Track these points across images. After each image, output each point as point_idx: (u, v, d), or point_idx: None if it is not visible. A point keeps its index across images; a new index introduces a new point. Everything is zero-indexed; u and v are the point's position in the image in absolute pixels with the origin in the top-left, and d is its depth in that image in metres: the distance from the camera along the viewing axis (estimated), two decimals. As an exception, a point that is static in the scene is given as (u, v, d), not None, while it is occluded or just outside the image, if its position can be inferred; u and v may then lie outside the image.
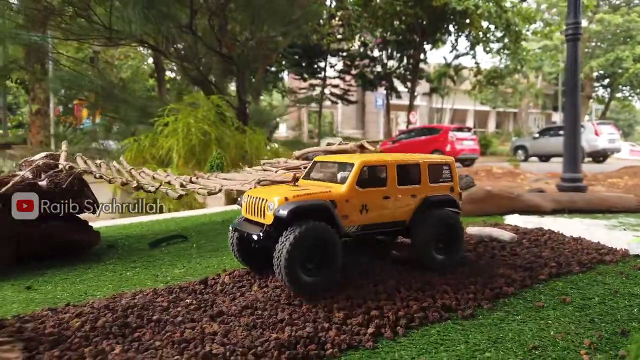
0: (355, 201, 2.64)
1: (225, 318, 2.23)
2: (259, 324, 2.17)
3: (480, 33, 25.05)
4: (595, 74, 34.73)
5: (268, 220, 2.49)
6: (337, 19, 23.86)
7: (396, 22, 24.33)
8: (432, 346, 2.08)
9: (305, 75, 26.71)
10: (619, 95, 37.51)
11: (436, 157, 3.05)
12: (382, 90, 29.27)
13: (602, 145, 20.72)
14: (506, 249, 3.43)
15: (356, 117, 39.28)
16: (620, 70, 32.11)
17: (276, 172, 4.56)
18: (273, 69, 25.39)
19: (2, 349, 1.67)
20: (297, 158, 4.85)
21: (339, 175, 2.80)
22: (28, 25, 10.53)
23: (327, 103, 29.11)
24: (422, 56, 26.90)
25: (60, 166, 3.67)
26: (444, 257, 2.94)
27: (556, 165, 17.56)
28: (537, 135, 24.42)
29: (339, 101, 28.56)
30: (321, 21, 21.04)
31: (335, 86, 27.36)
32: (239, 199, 2.96)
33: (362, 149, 4.25)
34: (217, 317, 2.24)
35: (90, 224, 3.95)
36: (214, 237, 4.37)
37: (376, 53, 27.47)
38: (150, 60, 25.48)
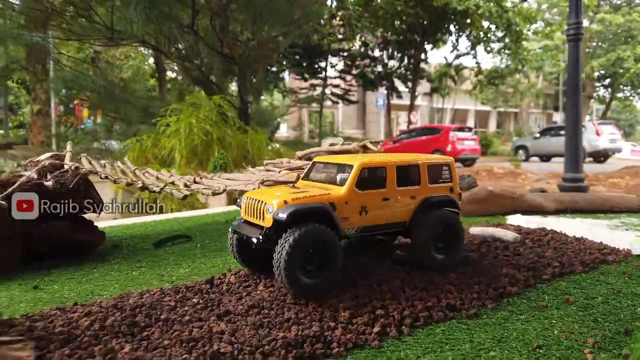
0: (355, 203, 2.63)
1: (232, 317, 2.26)
2: (265, 323, 2.19)
3: (481, 33, 25.07)
4: (596, 73, 34.72)
5: (267, 223, 2.49)
6: (337, 19, 23.88)
7: (397, 22, 24.35)
8: (437, 345, 2.10)
9: (306, 75, 26.73)
10: (620, 95, 37.48)
11: (436, 158, 3.05)
12: (382, 90, 29.29)
13: (603, 145, 20.72)
14: (509, 249, 3.45)
15: (357, 117, 39.29)
16: (621, 70, 32.09)
17: (279, 172, 4.58)
18: (274, 69, 25.42)
19: (14, 347, 1.70)
20: (300, 158, 4.87)
21: (338, 177, 2.79)
22: (30, 26, 10.56)
23: (328, 103, 29.13)
24: (422, 56, 26.93)
25: (66, 167, 3.70)
26: (444, 257, 2.95)
27: (557, 165, 17.58)
28: (538, 135, 24.43)
29: (340, 101, 28.57)
30: (322, 21, 21.05)
31: (336, 86, 27.38)
32: (238, 199, 2.96)
33: (365, 149, 4.27)
34: (224, 317, 2.26)
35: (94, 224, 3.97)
36: (218, 237, 4.40)
37: (377, 53, 27.49)
38: (151, 60, 25.53)
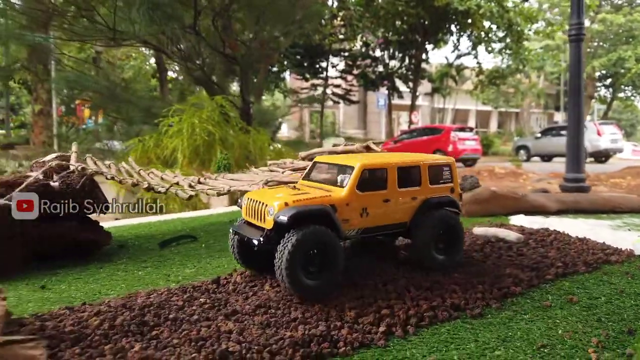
0: (356, 205, 2.64)
1: (239, 317, 2.28)
2: (272, 323, 2.21)
3: (482, 33, 25.08)
4: (597, 73, 34.70)
5: (268, 225, 2.49)
6: (339, 19, 23.90)
7: (398, 22, 24.37)
8: (443, 344, 2.13)
9: (307, 75, 26.75)
10: (621, 95, 37.45)
11: (436, 158, 3.05)
12: (384, 90, 29.31)
13: (605, 146, 20.72)
14: (513, 249, 3.47)
15: (358, 117, 39.30)
16: (622, 70, 32.06)
17: (283, 172, 4.61)
18: (275, 69, 25.45)
19: (27, 346, 1.72)
20: (304, 159, 4.89)
21: (339, 178, 2.79)
22: (32, 26, 10.60)
23: (329, 103, 29.16)
24: (424, 56, 26.94)
25: (72, 167, 3.73)
26: (445, 258, 2.95)
27: (558, 165, 17.58)
28: (539, 135, 24.43)
29: (341, 101, 28.59)
30: (323, 21, 21.08)
31: (337, 86, 27.41)
32: (239, 200, 2.97)
33: (368, 149, 4.29)
34: (231, 316, 2.29)
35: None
36: (222, 237, 4.42)
37: (378, 53, 27.51)
38: (152, 60, 25.57)
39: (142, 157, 9.50)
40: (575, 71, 6.69)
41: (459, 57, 28.55)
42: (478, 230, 3.91)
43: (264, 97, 24.61)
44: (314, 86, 27.10)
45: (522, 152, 24.28)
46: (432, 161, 2.96)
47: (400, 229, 2.88)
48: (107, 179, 3.78)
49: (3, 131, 29.48)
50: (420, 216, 2.87)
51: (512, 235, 3.67)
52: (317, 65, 26.50)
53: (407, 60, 27.35)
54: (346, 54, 26.93)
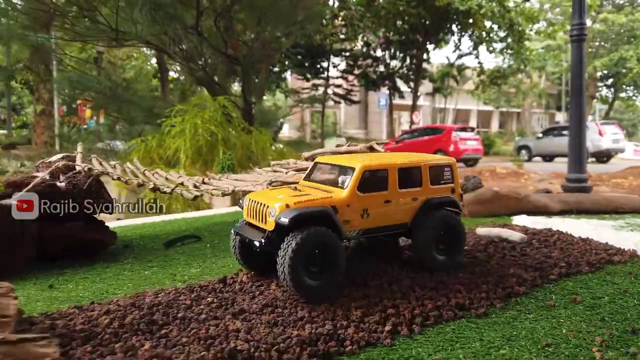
0: (357, 206, 2.64)
1: (247, 316, 2.31)
2: (280, 322, 2.24)
3: (484, 33, 25.10)
4: (599, 73, 34.68)
5: (270, 226, 2.50)
6: (340, 19, 23.92)
7: (399, 22, 24.40)
8: (448, 343, 2.15)
9: (308, 75, 26.79)
10: (622, 95, 37.44)
11: (437, 159, 3.05)
12: (385, 90, 29.34)
13: (606, 146, 20.72)
14: (516, 250, 3.49)
15: (359, 117, 39.33)
16: (624, 70, 32.05)
17: (287, 173, 4.63)
18: (276, 69, 25.49)
19: (39, 344, 1.75)
20: (307, 159, 4.92)
21: (340, 179, 2.79)
22: (35, 27, 10.63)
23: (330, 103, 29.19)
24: (425, 56, 26.96)
25: (78, 168, 3.76)
26: (445, 258, 2.95)
27: (560, 165, 17.60)
28: (540, 135, 24.43)
29: (342, 101, 28.62)
30: (324, 21, 21.09)
31: (338, 86, 27.44)
32: (240, 200, 2.99)
33: (371, 150, 4.32)
34: (239, 315, 2.32)
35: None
36: (226, 237, 4.44)
37: (379, 53, 27.54)
38: (154, 60, 25.61)
39: (144, 157, 9.53)
40: (576, 71, 6.70)
41: (460, 57, 28.58)
42: (481, 230, 3.93)
43: (265, 97, 24.65)
44: (315, 86, 27.13)
45: (523, 152, 24.29)
46: (433, 162, 2.97)
47: (401, 229, 2.89)
48: (113, 179, 3.81)
49: (5, 131, 29.57)
50: (421, 217, 2.87)
51: (515, 236, 3.69)
52: (318, 65, 26.53)
53: (408, 60, 27.37)
54: (347, 54, 26.96)
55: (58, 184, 3.64)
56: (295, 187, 2.92)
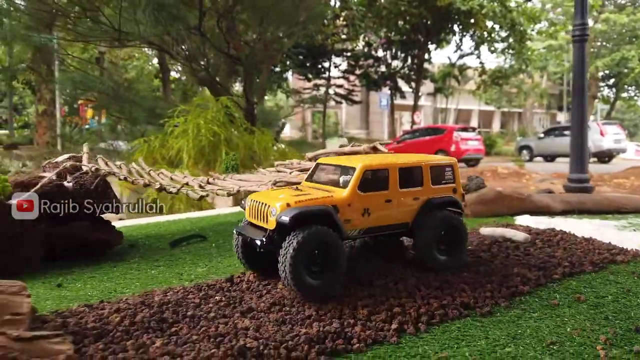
0: (358, 205, 2.66)
1: (255, 314, 2.34)
2: (287, 320, 2.27)
3: (485, 33, 25.12)
4: (600, 73, 34.65)
5: (271, 225, 2.53)
6: (341, 19, 23.95)
7: (400, 22, 24.42)
8: (454, 341, 2.18)
9: (310, 76, 26.83)
10: (624, 95, 37.40)
11: (438, 159, 3.07)
12: (386, 91, 29.37)
13: (608, 146, 20.72)
14: (520, 249, 3.52)
15: (360, 117, 39.36)
16: (625, 70, 32.03)
17: (291, 173, 4.66)
18: (277, 69, 25.53)
19: (54, 341, 1.78)
20: (311, 159, 4.95)
21: (341, 179, 2.81)
22: (39, 28, 10.68)
23: (332, 103, 29.22)
24: (426, 56, 26.98)
25: (85, 168, 3.79)
26: (447, 259, 2.96)
27: (561, 165, 17.60)
28: (542, 135, 24.44)
29: (343, 101, 28.65)
30: (326, 21, 21.13)
31: (340, 86, 27.47)
32: (242, 201, 3.02)
33: (375, 150, 4.34)
34: (247, 313, 2.35)
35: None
36: (231, 236, 4.39)
37: (380, 53, 27.56)
38: (155, 60, 25.67)
39: (147, 157, 9.56)
40: (578, 71, 6.72)
41: (461, 57, 28.60)
42: (485, 230, 3.96)
43: (266, 98, 24.67)
44: (317, 86, 27.17)
45: (524, 152, 24.28)
46: (434, 161, 2.98)
47: (402, 229, 2.90)
48: (119, 179, 3.84)
49: (7, 131, 29.65)
50: (422, 216, 2.89)
51: (519, 235, 3.72)
52: (320, 66, 26.57)
53: (409, 60, 27.40)
54: (349, 54, 27.00)
55: (65, 184, 3.68)
56: (297, 187, 2.95)
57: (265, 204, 2.61)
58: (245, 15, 11.88)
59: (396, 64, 27.61)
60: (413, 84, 27.43)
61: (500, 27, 24.68)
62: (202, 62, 11.46)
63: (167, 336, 2.08)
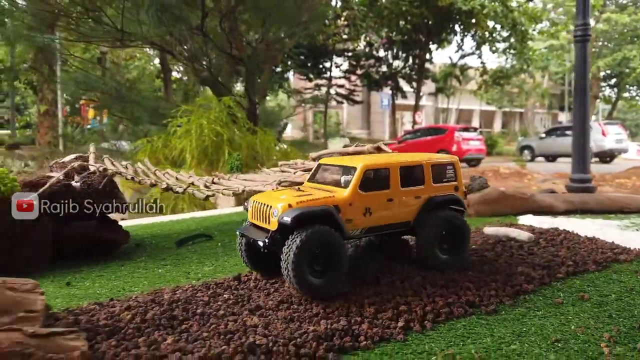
0: (359, 204, 2.68)
1: (263, 312, 2.38)
2: (295, 318, 2.31)
3: (486, 33, 25.10)
4: (602, 73, 34.61)
5: (273, 226, 2.55)
6: (342, 19, 23.96)
7: (402, 22, 24.41)
8: (460, 339, 2.21)
9: (311, 76, 26.85)
10: (626, 95, 37.34)
11: (439, 157, 3.08)
12: (387, 90, 29.37)
13: (609, 146, 20.69)
14: (524, 249, 3.55)
15: (362, 117, 39.37)
16: (627, 70, 31.99)
17: (294, 173, 4.70)
18: (279, 69, 25.56)
19: (68, 338, 1.82)
20: (314, 159, 4.98)
21: (343, 179, 2.82)
22: (42, 28, 10.73)
23: (333, 103, 29.24)
24: (427, 56, 26.96)
25: (93, 168, 3.83)
26: (449, 257, 2.97)
27: (563, 165, 17.59)
28: (543, 135, 24.40)
29: (345, 101, 28.68)
30: (327, 21, 21.15)
31: (341, 86, 27.49)
32: (245, 202, 3.04)
33: (379, 150, 4.38)
34: (255, 311, 2.38)
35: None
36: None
37: (382, 53, 27.56)
38: (157, 60, 25.72)
39: (150, 157, 9.59)
40: (580, 71, 6.74)
41: (462, 57, 28.58)
42: (489, 230, 3.99)
43: (268, 98, 24.72)
44: (318, 86, 27.19)
45: (526, 152, 24.26)
46: (435, 160, 2.99)
47: (404, 228, 2.92)
48: (126, 179, 3.88)
49: (9, 131, 29.72)
50: (424, 215, 2.90)
51: (523, 235, 3.75)
52: (321, 66, 26.59)
53: (410, 60, 27.40)
54: (350, 54, 27.01)
55: (73, 184, 3.72)
56: (299, 188, 2.97)
57: (267, 205, 2.63)
58: (248, 16, 11.93)
59: (397, 64, 27.61)
60: (414, 84, 27.43)
61: (502, 27, 24.66)
62: (204, 62, 11.50)
63: (178, 333, 2.12)
